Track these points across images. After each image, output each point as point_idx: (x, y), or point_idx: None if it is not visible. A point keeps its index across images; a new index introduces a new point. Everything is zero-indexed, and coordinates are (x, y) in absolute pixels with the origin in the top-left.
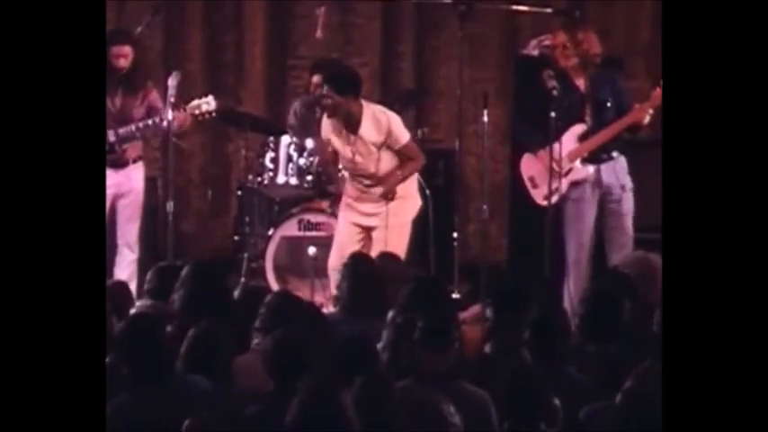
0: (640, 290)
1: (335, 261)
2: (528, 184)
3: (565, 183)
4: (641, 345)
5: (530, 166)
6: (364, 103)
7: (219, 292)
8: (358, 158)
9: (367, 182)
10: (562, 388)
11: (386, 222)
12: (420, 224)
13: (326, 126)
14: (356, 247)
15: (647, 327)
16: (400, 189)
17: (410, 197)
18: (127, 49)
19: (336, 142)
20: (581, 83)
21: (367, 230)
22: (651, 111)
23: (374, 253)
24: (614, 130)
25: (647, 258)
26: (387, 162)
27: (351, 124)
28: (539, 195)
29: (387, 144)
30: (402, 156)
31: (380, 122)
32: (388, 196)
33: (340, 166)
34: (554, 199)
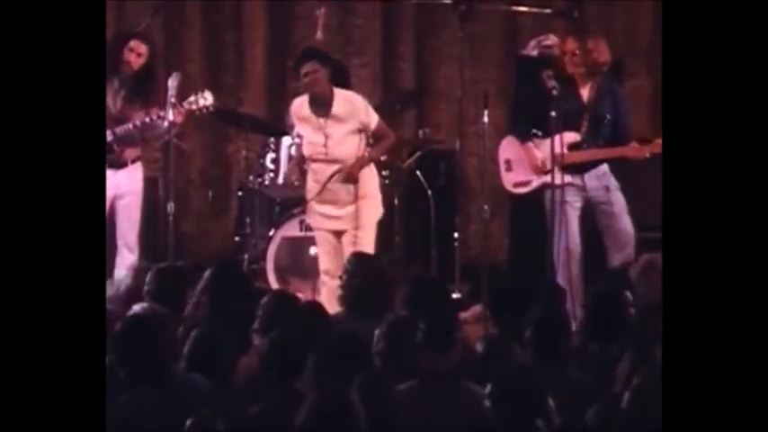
0: (647, 292)
1: (324, 267)
2: (502, 165)
3: (539, 181)
4: (642, 345)
5: (510, 149)
6: (335, 89)
7: (244, 293)
8: (330, 143)
9: (330, 170)
10: (563, 388)
11: (355, 224)
12: (421, 224)
13: (298, 108)
14: (332, 252)
15: (648, 327)
16: (365, 189)
17: (374, 197)
18: (143, 48)
19: (307, 130)
20: (585, 91)
21: (336, 234)
22: (648, 155)
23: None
24: (606, 155)
25: (654, 261)
26: (361, 147)
27: (322, 107)
28: (509, 180)
29: (359, 129)
30: (375, 138)
31: (354, 104)
32: (350, 179)
33: (308, 156)
34: (522, 190)
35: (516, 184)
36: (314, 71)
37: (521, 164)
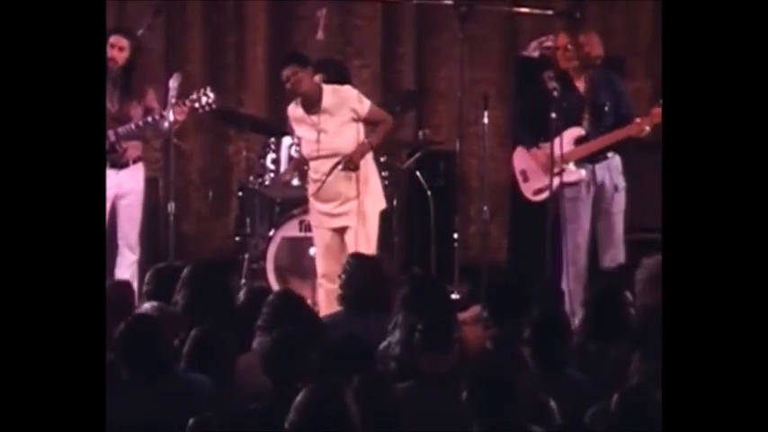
0: (655, 296)
1: (322, 269)
2: (519, 177)
3: (556, 182)
4: (641, 345)
5: (522, 159)
6: (323, 85)
7: (221, 292)
8: (323, 137)
9: (329, 166)
10: (562, 388)
11: (358, 219)
12: (421, 224)
13: (292, 111)
14: (331, 254)
15: (648, 327)
16: (366, 182)
17: (376, 189)
18: (123, 42)
19: (303, 130)
20: (581, 84)
21: (339, 232)
22: (648, 128)
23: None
24: (611, 139)
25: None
26: (359, 136)
27: (311, 104)
28: (528, 189)
29: (353, 118)
30: (370, 123)
31: (342, 95)
32: (351, 166)
33: (307, 155)
34: (543, 196)
35: (536, 192)
36: (293, 74)
37: (535, 171)
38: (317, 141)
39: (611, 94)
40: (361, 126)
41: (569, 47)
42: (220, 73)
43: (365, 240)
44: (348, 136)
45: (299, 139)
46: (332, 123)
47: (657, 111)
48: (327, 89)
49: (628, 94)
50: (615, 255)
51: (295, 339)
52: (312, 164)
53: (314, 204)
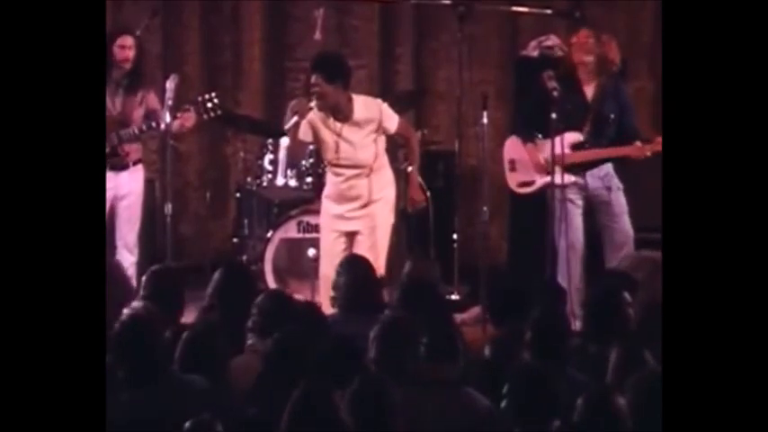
0: (646, 290)
1: (325, 269)
2: (507, 165)
3: (543, 180)
4: (642, 345)
5: (514, 149)
6: (354, 95)
7: (251, 293)
8: (343, 146)
9: (351, 172)
10: (562, 389)
11: (370, 225)
12: (420, 225)
13: (313, 116)
14: (341, 255)
15: (648, 327)
16: (378, 193)
17: (388, 201)
18: (130, 41)
19: (322, 132)
20: (589, 89)
21: (349, 236)
22: (649, 153)
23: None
24: (608, 154)
25: (654, 258)
26: (380, 148)
27: (340, 113)
28: (513, 180)
29: (378, 131)
30: (399, 140)
31: (373, 111)
32: (416, 206)
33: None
34: (527, 190)
35: (521, 184)
36: (317, 85)
37: (524, 164)
38: (336, 150)
39: (618, 107)
40: (381, 138)
41: (590, 40)
42: (217, 74)
43: (373, 249)
44: (370, 148)
45: (319, 141)
46: (357, 136)
47: (659, 140)
48: (359, 101)
49: (633, 110)
50: (624, 255)
51: (297, 340)
52: (329, 168)
53: (326, 205)
